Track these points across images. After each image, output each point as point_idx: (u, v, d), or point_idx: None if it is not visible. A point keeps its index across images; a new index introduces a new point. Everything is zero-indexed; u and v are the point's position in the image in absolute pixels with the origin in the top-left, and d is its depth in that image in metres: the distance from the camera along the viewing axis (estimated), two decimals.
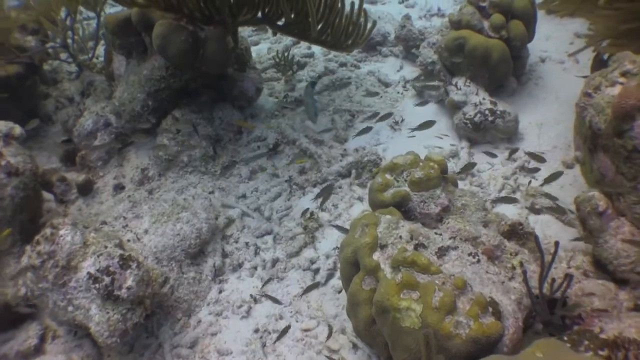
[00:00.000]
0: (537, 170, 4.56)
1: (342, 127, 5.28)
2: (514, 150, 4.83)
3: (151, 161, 4.89)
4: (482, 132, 4.95)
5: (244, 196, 4.66)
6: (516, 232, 3.47)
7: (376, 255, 3.03)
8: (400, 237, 3.08)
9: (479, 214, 3.47)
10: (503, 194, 4.49)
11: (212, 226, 4.24)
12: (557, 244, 3.10)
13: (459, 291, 2.79)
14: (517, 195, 4.45)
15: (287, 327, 3.70)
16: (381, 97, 5.73)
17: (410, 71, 6.04)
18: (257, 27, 7.11)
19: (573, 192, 4.32)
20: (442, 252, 3.09)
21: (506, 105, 5.06)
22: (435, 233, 3.22)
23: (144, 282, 3.52)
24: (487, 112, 4.94)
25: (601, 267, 3.52)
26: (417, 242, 3.09)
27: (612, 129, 3.46)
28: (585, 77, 4.83)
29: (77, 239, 3.50)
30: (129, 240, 4.05)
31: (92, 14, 6.30)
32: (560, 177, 4.36)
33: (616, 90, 3.58)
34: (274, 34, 4.96)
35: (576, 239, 3.88)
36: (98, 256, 3.46)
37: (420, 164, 3.54)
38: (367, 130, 4.73)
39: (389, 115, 4.93)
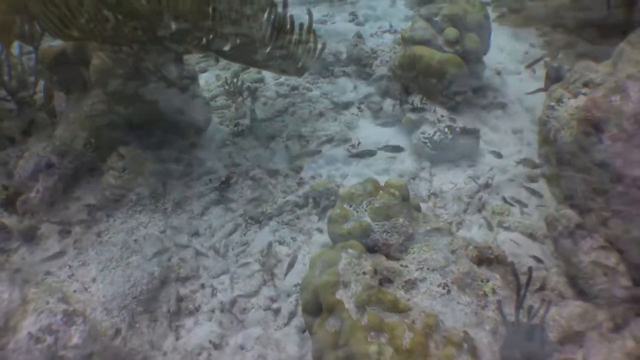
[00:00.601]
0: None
1: (297, 154, 5.05)
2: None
3: (98, 202, 4.60)
4: (442, 151, 4.78)
5: (197, 234, 4.40)
6: (486, 257, 3.28)
7: (339, 294, 2.81)
8: (364, 272, 2.87)
9: (445, 239, 3.27)
10: (468, 213, 4.32)
11: (165, 268, 3.99)
12: (530, 270, 2.92)
13: (430, 330, 2.59)
14: (483, 214, 4.29)
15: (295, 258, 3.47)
16: (336, 120, 5.52)
17: (365, 92, 5.83)
18: (204, 54, 6.87)
19: (540, 208, 4.18)
20: (409, 285, 2.90)
21: (465, 120, 4.91)
22: (401, 265, 3.02)
23: (91, 337, 3.25)
24: (446, 129, 4.78)
25: (576, 287, 3.37)
26: (381, 276, 2.89)
27: (578, 143, 3.31)
28: (537, 91, 4.72)
29: (16, 295, 3.23)
30: (75, 291, 3.77)
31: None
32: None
33: (580, 101, 3.44)
34: (217, 59, 4.72)
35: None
36: (39, 313, 3.19)
37: (380, 191, 3.34)
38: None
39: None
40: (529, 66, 5.61)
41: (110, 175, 4.56)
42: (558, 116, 3.50)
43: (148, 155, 4.72)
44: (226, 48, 4.51)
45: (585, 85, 3.47)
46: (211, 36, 4.38)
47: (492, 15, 6.52)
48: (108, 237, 4.35)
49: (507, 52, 5.97)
